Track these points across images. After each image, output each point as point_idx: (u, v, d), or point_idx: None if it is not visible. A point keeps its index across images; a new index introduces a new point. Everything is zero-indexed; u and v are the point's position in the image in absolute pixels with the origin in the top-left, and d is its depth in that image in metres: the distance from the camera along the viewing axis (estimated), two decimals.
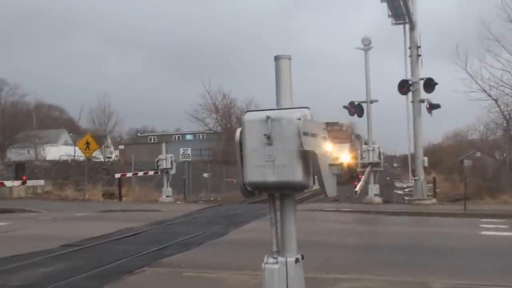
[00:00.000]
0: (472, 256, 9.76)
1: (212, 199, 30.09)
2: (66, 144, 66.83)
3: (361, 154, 22.71)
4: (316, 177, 3.86)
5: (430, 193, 23.93)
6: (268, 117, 3.76)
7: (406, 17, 22.34)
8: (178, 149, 31.66)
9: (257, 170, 3.81)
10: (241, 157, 3.93)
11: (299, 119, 3.71)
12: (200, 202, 26.65)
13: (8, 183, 24.70)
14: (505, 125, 31.69)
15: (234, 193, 29.77)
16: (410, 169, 24.37)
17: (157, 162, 25.57)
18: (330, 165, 3.98)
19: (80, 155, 33.84)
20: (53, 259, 9.45)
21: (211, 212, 19.29)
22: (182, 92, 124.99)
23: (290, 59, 4.06)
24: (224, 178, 37.22)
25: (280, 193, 4.00)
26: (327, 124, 4.52)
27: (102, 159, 47.21)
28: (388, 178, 52.15)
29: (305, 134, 3.67)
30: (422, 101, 22.28)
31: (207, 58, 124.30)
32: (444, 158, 56.84)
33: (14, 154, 54.56)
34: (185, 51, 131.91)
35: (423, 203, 21.22)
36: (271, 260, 4.00)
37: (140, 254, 9.73)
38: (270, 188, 3.92)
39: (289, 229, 4.01)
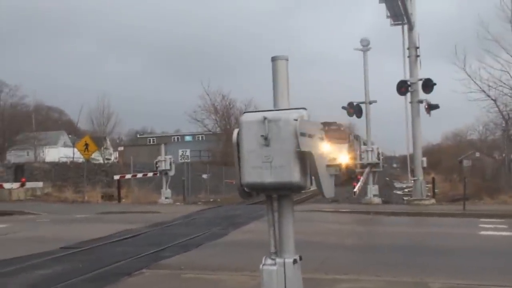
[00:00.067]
0: (471, 256, 9.77)
1: (211, 200, 30.09)
2: (65, 145, 66.76)
3: (360, 155, 22.73)
4: (313, 178, 3.86)
5: (429, 194, 23.96)
6: (265, 118, 3.76)
7: (405, 18, 22.38)
8: (177, 150, 31.66)
9: (254, 171, 3.81)
10: (239, 158, 3.93)
11: (296, 120, 3.71)
12: (200, 203, 26.65)
13: (7, 185, 24.67)
14: (504, 125, 31.76)
15: (233, 194, 29.74)
16: (409, 169, 24.40)
17: (156, 163, 25.58)
18: (328, 166, 3.98)
19: (79, 156, 33.80)
20: (52, 261, 9.45)
21: (210, 213, 19.29)
22: (182, 92, 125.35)
23: (287, 60, 4.06)
24: (223, 179, 37.23)
25: (278, 194, 3.99)
26: (325, 124, 4.53)
27: (101, 161, 47.17)
28: (387, 179, 52.18)
29: (302, 135, 3.67)
30: (421, 101, 22.31)
31: (207, 58, 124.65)
32: (443, 159, 56.91)
33: (14, 156, 54.51)
34: (185, 51, 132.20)
35: (422, 204, 21.24)
36: (269, 261, 3.99)
37: (139, 256, 9.72)
38: (268, 189, 3.92)
39: (287, 230, 4.01)
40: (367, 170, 22.23)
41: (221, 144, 52.50)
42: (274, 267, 3.93)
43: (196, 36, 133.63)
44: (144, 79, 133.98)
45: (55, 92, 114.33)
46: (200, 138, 71.25)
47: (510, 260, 9.39)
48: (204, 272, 8.16)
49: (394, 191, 35.95)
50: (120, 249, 10.78)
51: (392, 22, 23.16)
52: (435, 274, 7.76)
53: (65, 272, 8.45)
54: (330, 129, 37.04)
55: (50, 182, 30.36)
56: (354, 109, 23.09)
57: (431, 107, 22.15)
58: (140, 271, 8.33)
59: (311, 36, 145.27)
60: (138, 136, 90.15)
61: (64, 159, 46.62)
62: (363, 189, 22.86)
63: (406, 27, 22.90)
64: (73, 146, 40.99)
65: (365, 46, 22.76)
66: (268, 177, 3.78)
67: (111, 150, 62.10)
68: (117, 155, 59.36)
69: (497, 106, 27.91)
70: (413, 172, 23.12)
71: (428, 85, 21.80)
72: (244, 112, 4.08)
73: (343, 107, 23.30)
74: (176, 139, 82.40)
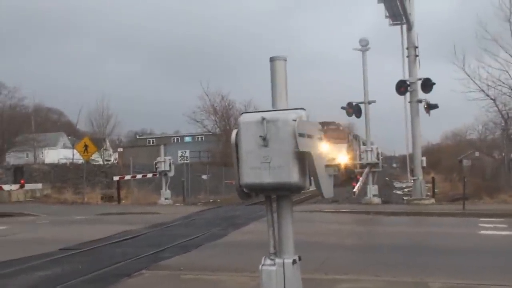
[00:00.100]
0: (471, 256, 9.77)
1: (211, 201, 30.07)
2: (65, 147, 66.76)
3: (360, 155, 22.72)
4: (312, 178, 3.85)
5: (429, 193, 23.97)
6: (263, 119, 3.76)
7: (403, 18, 22.39)
8: (177, 151, 31.65)
9: (253, 172, 3.81)
10: (237, 158, 3.92)
11: (295, 120, 3.70)
12: (199, 204, 26.63)
13: (6, 187, 24.70)
14: (503, 124, 31.73)
15: (233, 194, 29.71)
16: (408, 169, 24.40)
17: (156, 164, 25.59)
18: (327, 166, 3.98)
19: (78, 158, 33.81)
20: (52, 262, 9.44)
21: (210, 214, 19.28)
22: (181, 93, 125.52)
23: (285, 60, 4.06)
24: (223, 180, 37.22)
25: (277, 195, 3.99)
26: (323, 124, 4.53)
27: (101, 162, 47.14)
28: (387, 179, 52.21)
29: (301, 135, 3.67)
30: (420, 101, 22.31)
31: (207, 58, 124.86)
32: (443, 158, 56.96)
33: (13, 158, 54.45)
34: (185, 51, 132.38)
35: (422, 203, 21.24)
36: (268, 261, 3.99)
37: (138, 257, 9.72)
38: (266, 190, 3.92)
39: (286, 231, 4.00)
40: (366, 170, 22.22)
41: (220, 144, 52.50)
42: (273, 268, 3.93)
43: (196, 36, 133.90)
44: (144, 79, 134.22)
45: (55, 93, 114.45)
46: (200, 139, 71.26)
47: (510, 260, 9.39)
48: (203, 273, 8.15)
49: (394, 191, 35.95)
50: (120, 250, 10.77)
51: (391, 22, 23.17)
52: (435, 274, 7.76)
53: (65, 273, 8.45)
54: (329, 129, 36.96)
55: (49, 183, 30.35)
56: (353, 109, 23.09)
57: (430, 107, 22.16)
58: (139, 272, 8.33)
59: (311, 36, 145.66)
60: (138, 137, 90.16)
61: (64, 161, 46.64)
62: (363, 189, 22.85)
63: (405, 27, 22.92)
64: (73, 147, 41.00)
65: (364, 46, 22.77)
66: (266, 178, 3.77)
67: (110, 151, 62.07)
68: (117, 156, 59.29)
69: (496, 106, 27.94)
70: (412, 172, 23.12)
71: (427, 84, 21.81)
72: (243, 113, 4.08)
73: (342, 107, 23.30)
74: (175, 140, 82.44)
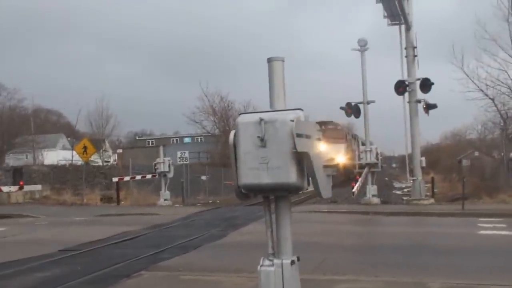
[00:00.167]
0: (470, 256, 9.76)
1: (210, 201, 30.07)
2: (64, 148, 66.66)
3: (359, 155, 22.72)
4: (310, 178, 3.85)
5: (428, 193, 23.97)
6: (261, 119, 3.75)
7: (402, 18, 22.39)
8: (176, 152, 31.64)
9: (251, 172, 3.80)
10: (235, 159, 3.92)
11: (293, 120, 3.70)
12: (198, 205, 26.63)
13: (5, 189, 24.68)
14: (502, 124, 31.72)
15: (232, 195, 29.44)
16: (408, 169, 24.40)
17: (155, 165, 25.58)
18: (325, 166, 3.98)
19: (78, 159, 33.76)
20: (51, 264, 9.44)
21: (209, 214, 19.28)
22: (181, 93, 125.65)
23: (283, 61, 4.06)
24: (222, 180, 37.21)
25: (275, 195, 3.99)
26: (321, 123, 4.53)
27: (100, 163, 47.12)
28: (386, 179, 52.21)
29: (299, 135, 3.66)
30: (419, 101, 22.32)
31: (207, 58, 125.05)
32: (443, 158, 56.93)
33: (12, 159, 54.42)
34: (185, 51, 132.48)
35: (421, 203, 21.24)
36: (266, 262, 3.99)
37: (137, 258, 9.72)
38: (265, 190, 3.91)
39: (285, 231, 4.00)
40: (365, 170, 22.23)
41: (220, 145, 52.48)
42: (272, 268, 3.92)
43: (196, 36, 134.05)
44: (144, 79, 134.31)
45: (54, 94, 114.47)
46: (199, 139, 71.30)
47: (509, 259, 9.39)
48: (202, 274, 8.15)
49: (393, 191, 35.96)
50: (119, 251, 10.77)
51: (389, 22, 23.16)
52: (434, 274, 7.76)
53: (64, 274, 8.45)
54: (327, 129, 36.82)
55: (48, 185, 30.35)
56: (352, 109, 23.09)
57: (429, 107, 22.15)
58: (138, 273, 8.33)
59: (311, 37, 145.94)
60: (137, 138, 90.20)
61: (63, 162, 46.60)
62: (362, 189, 22.86)
63: (403, 27, 22.93)
64: (72, 148, 40.92)
65: (363, 46, 22.78)
66: (265, 178, 3.77)
67: (110, 152, 62.06)
68: (116, 158, 59.27)
69: (495, 105, 27.93)
70: (412, 172, 23.12)
71: (426, 84, 21.81)
72: (241, 114, 4.08)
73: (341, 108, 23.30)
74: (175, 141, 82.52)
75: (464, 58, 25.85)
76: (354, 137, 49.47)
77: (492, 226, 14.15)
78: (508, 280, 7.21)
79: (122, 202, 26.35)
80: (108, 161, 54.81)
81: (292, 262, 3.95)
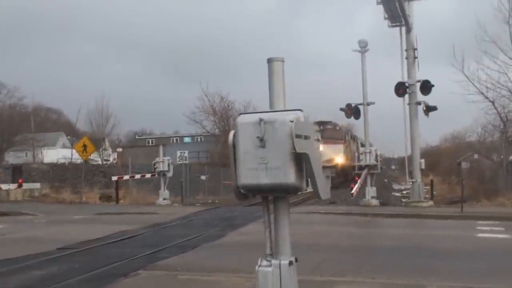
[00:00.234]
0: (468, 258, 9.75)
1: (209, 201, 30.07)
2: (64, 147, 66.65)
3: (358, 156, 22.71)
4: (309, 179, 3.86)
5: (427, 196, 23.94)
6: (261, 120, 3.77)
7: (402, 19, 22.39)
8: (176, 151, 31.64)
9: (250, 173, 3.82)
10: (235, 159, 3.93)
11: (292, 121, 3.71)
12: (198, 204, 26.63)
13: (4, 186, 24.72)
14: (502, 127, 31.72)
15: (231, 195, 29.45)
16: (407, 171, 24.41)
17: (154, 164, 25.58)
18: (324, 167, 3.99)
19: (77, 158, 33.79)
20: (49, 262, 9.44)
21: (208, 214, 19.27)
22: (181, 93, 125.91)
23: (283, 61, 4.07)
24: (221, 180, 37.20)
25: (274, 196, 4.00)
26: (319, 123, 4.53)
27: (100, 162, 47.11)
28: (386, 180, 52.19)
29: (298, 136, 3.67)
30: (419, 103, 22.32)
31: (207, 58, 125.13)
32: (442, 160, 56.94)
33: (12, 157, 54.45)
34: (185, 51, 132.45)
35: (420, 206, 21.24)
36: (264, 262, 4.00)
37: (135, 257, 9.72)
38: (263, 191, 3.93)
39: (283, 232, 4.01)
40: (365, 171, 22.21)
41: (219, 145, 52.52)
42: (270, 269, 3.93)
43: (196, 36, 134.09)
44: (144, 79, 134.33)
45: (54, 93, 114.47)
46: (199, 139, 71.34)
47: (506, 262, 9.39)
48: (200, 274, 8.15)
49: (392, 193, 35.95)
50: (117, 250, 10.77)
51: (390, 24, 23.17)
52: (432, 277, 7.76)
53: (62, 272, 8.45)
54: (326, 129, 36.68)
55: (48, 183, 30.38)
56: (352, 111, 23.07)
57: (429, 109, 22.16)
58: (136, 272, 8.33)
59: (312, 37, 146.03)
60: (137, 137, 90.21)
61: (63, 160, 46.62)
62: (361, 191, 22.85)
63: (404, 28, 22.92)
64: (72, 147, 40.96)
65: (363, 47, 22.75)
66: (264, 179, 3.78)
67: (109, 151, 61.99)
68: (116, 156, 59.25)
69: (495, 108, 27.94)
70: (411, 174, 23.12)
71: (426, 86, 21.82)
72: (240, 114, 4.09)
73: (341, 109, 23.28)
74: (174, 140, 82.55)
75: (464, 61, 25.86)
76: (353, 137, 49.36)
77: (490, 229, 14.14)
78: (505, 284, 7.22)
79: (121, 201, 26.36)
80: (108, 160, 54.76)
81: (290, 263, 3.96)
